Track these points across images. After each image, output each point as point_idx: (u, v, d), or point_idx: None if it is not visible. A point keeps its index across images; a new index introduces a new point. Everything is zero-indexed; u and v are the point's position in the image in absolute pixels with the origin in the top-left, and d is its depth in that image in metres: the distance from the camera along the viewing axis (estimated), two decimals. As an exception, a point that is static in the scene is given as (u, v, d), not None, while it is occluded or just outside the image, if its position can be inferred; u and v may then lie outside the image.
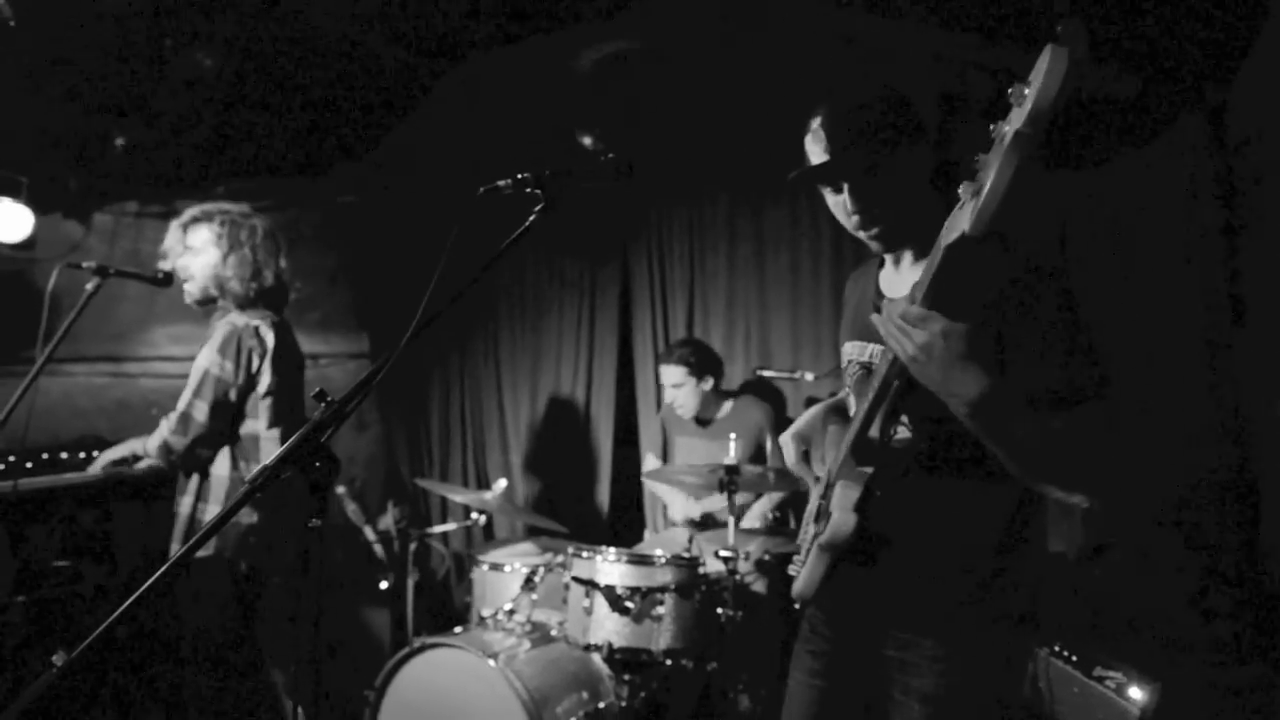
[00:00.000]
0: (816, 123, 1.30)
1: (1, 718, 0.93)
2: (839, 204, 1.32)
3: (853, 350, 1.44)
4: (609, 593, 2.30)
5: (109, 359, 4.01)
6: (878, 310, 1.28)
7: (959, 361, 1.08)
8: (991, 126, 1.00)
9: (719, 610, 2.40)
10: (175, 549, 2.25)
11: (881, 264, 1.46)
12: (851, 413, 1.47)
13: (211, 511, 2.23)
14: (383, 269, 4.49)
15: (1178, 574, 2.15)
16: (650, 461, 3.36)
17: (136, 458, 2.35)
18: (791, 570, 1.47)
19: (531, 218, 1.33)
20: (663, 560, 2.35)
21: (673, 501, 3.14)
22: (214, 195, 4.24)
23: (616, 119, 3.82)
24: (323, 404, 1.15)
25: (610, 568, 2.35)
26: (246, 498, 1.08)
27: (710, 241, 3.61)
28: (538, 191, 1.33)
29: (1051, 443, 1.14)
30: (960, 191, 1.03)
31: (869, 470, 1.30)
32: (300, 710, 2.83)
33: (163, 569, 1.06)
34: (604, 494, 3.86)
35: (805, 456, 1.50)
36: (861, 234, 1.33)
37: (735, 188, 3.54)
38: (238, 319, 2.28)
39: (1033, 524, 1.31)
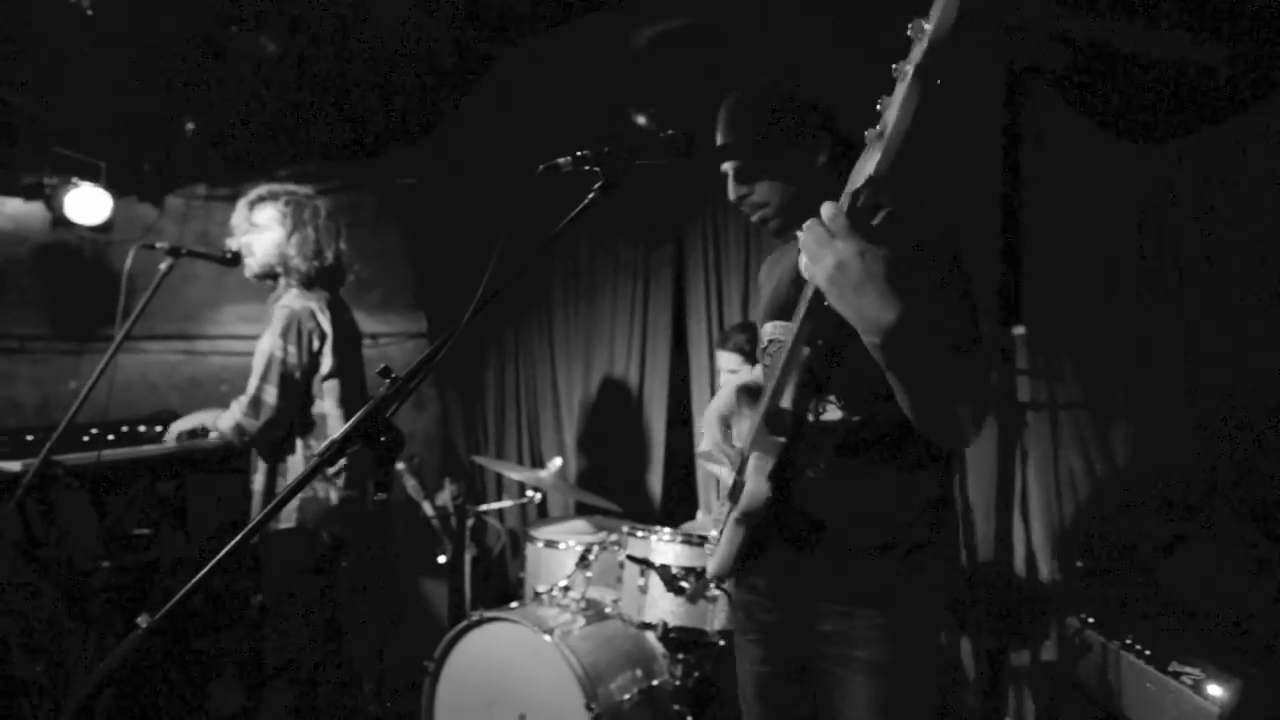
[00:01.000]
0: (723, 104, 1.44)
1: (91, 676, 0.97)
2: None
3: (773, 330, 1.46)
4: (664, 572, 2.31)
5: (181, 337, 4.16)
6: (795, 290, 1.35)
7: (874, 283, 1.04)
8: (894, 66, 0.99)
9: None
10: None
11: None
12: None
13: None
14: (440, 249, 4.56)
15: (1260, 567, 2.05)
16: (705, 442, 3.34)
17: (206, 430, 2.44)
18: (707, 550, 1.49)
19: (590, 195, 1.32)
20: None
21: (725, 479, 3.11)
22: (278, 178, 4.37)
23: (673, 97, 3.78)
24: (387, 380, 1.16)
25: (665, 547, 2.35)
26: (315, 471, 1.10)
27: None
28: (597, 169, 1.32)
29: (950, 373, 1.16)
30: (866, 135, 1.04)
31: (782, 440, 1.31)
32: (364, 676, 2.93)
33: (239, 537, 1.09)
34: (656, 474, 3.87)
35: (726, 437, 1.54)
36: (750, 215, 1.42)
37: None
38: (294, 302, 2.34)
39: (949, 499, 1.38)
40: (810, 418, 1.34)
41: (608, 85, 3.82)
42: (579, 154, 1.31)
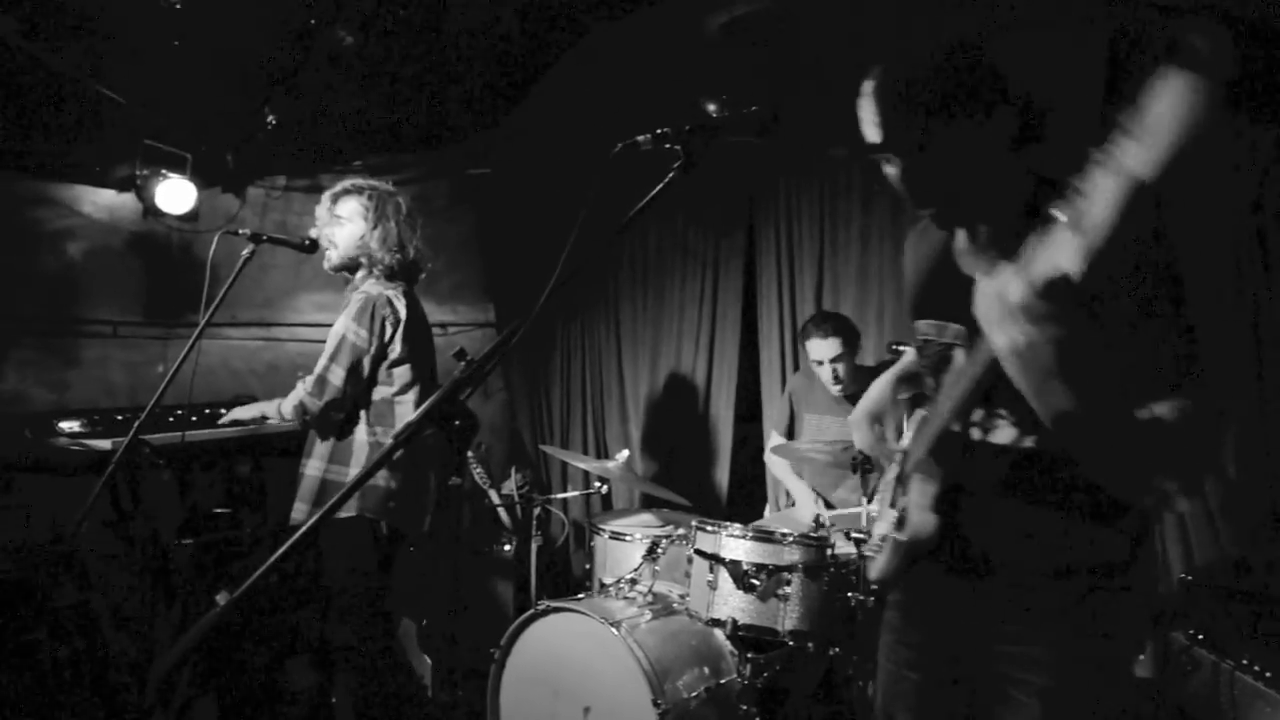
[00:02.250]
0: (869, 87, 1.16)
1: (173, 650, 0.98)
2: (892, 180, 1.19)
3: (928, 329, 1.30)
4: (734, 568, 2.25)
5: (260, 324, 4.28)
6: (952, 287, 1.18)
7: (1061, 374, 0.93)
8: (1095, 153, 0.83)
9: (848, 594, 2.30)
10: (302, 508, 2.32)
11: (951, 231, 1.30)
12: (926, 388, 1.34)
13: (345, 474, 2.31)
14: (509, 240, 4.58)
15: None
16: (775, 439, 3.27)
17: (265, 418, 2.47)
18: (869, 551, 1.37)
19: (670, 174, 1.27)
20: (790, 539, 2.28)
21: (801, 498, 3.02)
22: (353, 169, 4.46)
23: (745, 84, 3.70)
24: (462, 363, 1.14)
25: (736, 543, 2.29)
26: (391, 453, 1.08)
27: (842, 213, 3.44)
28: (676, 147, 1.27)
29: (1136, 440, 1.01)
30: (1055, 213, 0.87)
31: (949, 466, 1.19)
32: (430, 661, 2.95)
33: (315, 518, 1.08)
34: (723, 469, 3.81)
35: (878, 435, 1.41)
36: (920, 212, 1.22)
37: (870, 159, 3.34)
38: (372, 288, 2.35)
39: (1148, 536, 1.18)
40: (976, 435, 1.20)
41: (678, 73, 3.76)
42: (659, 131, 1.26)
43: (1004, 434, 1.17)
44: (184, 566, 2.56)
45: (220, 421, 2.53)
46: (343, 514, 2.25)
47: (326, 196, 2.47)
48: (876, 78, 1.15)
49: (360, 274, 2.43)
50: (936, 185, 1.15)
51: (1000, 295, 0.93)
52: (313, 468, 2.35)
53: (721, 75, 3.76)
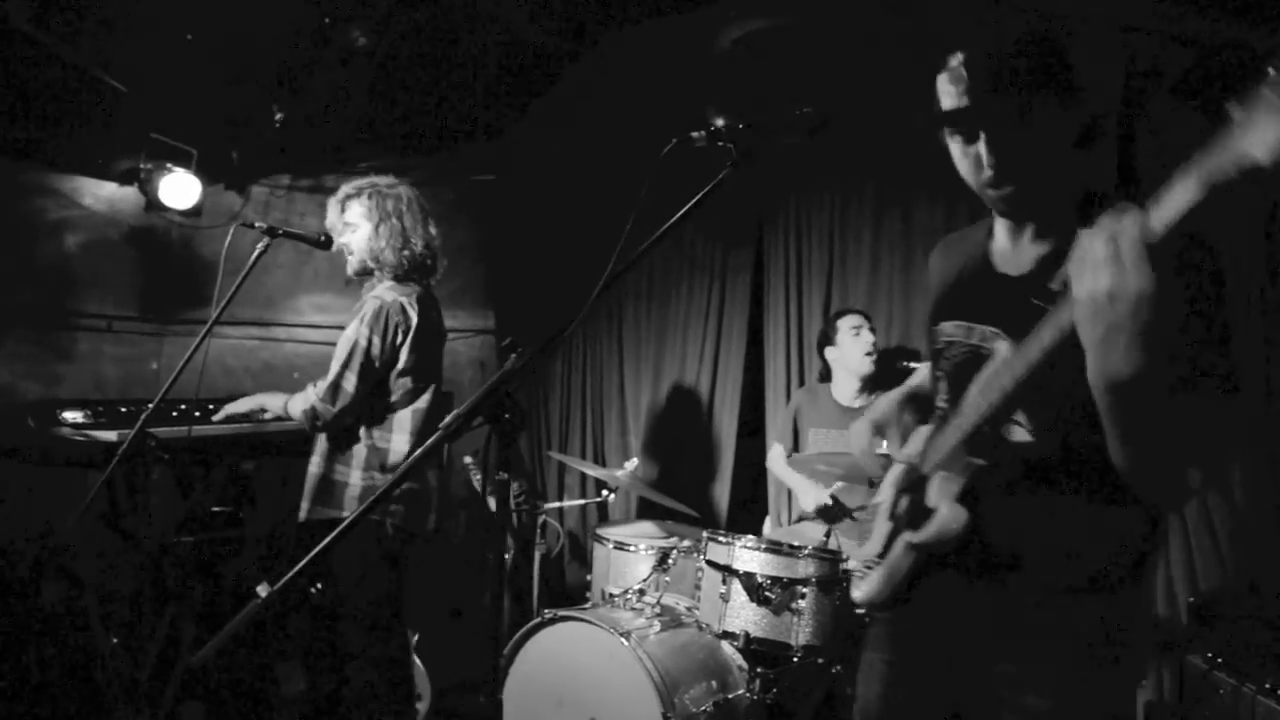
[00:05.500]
0: (957, 60, 1.15)
1: (212, 642, 0.94)
2: (969, 156, 1.17)
3: (955, 331, 1.28)
4: (748, 580, 2.22)
5: (258, 323, 4.22)
6: (987, 287, 1.19)
7: (1132, 331, 0.90)
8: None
9: (861, 610, 2.28)
10: (305, 506, 2.32)
11: (989, 233, 1.30)
12: (940, 400, 1.33)
13: (346, 474, 2.30)
14: (511, 247, 4.56)
15: None
16: (777, 451, 3.26)
17: (264, 411, 2.42)
18: (857, 572, 1.34)
19: (723, 173, 1.26)
20: (805, 551, 2.26)
21: (803, 490, 3.02)
22: (357, 170, 4.43)
23: (754, 100, 3.72)
24: (513, 354, 1.12)
25: (749, 555, 2.27)
26: (440, 443, 1.05)
27: (852, 227, 3.46)
28: (730, 145, 1.26)
29: (1171, 428, 0.99)
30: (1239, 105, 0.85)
31: (980, 461, 1.17)
32: (423, 666, 2.90)
33: (357, 512, 1.05)
34: (724, 483, 3.78)
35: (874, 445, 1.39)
36: (990, 193, 1.17)
37: (882, 174, 3.37)
38: (386, 294, 2.33)
39: (1155, 539, 1.18)
40: (1004, 435, 1.19)
41: (687, 86, 3.78)
42: (713, 128, 1.25)
43: (1020, 436, 1.17)
44: (181, 565, 2.49)
45: (215, 418, 2.47)
46: (346, 514, 2.23)
47: (334, 204, 2.44)
48: (967, 49, 1.14)
49: (374, 278, 2.41)
50: (1022, 161, 1.13)
51: (1112, 236, 0.90)
52: (315, 465, 2.34)
53: (732, 90, 3.78)
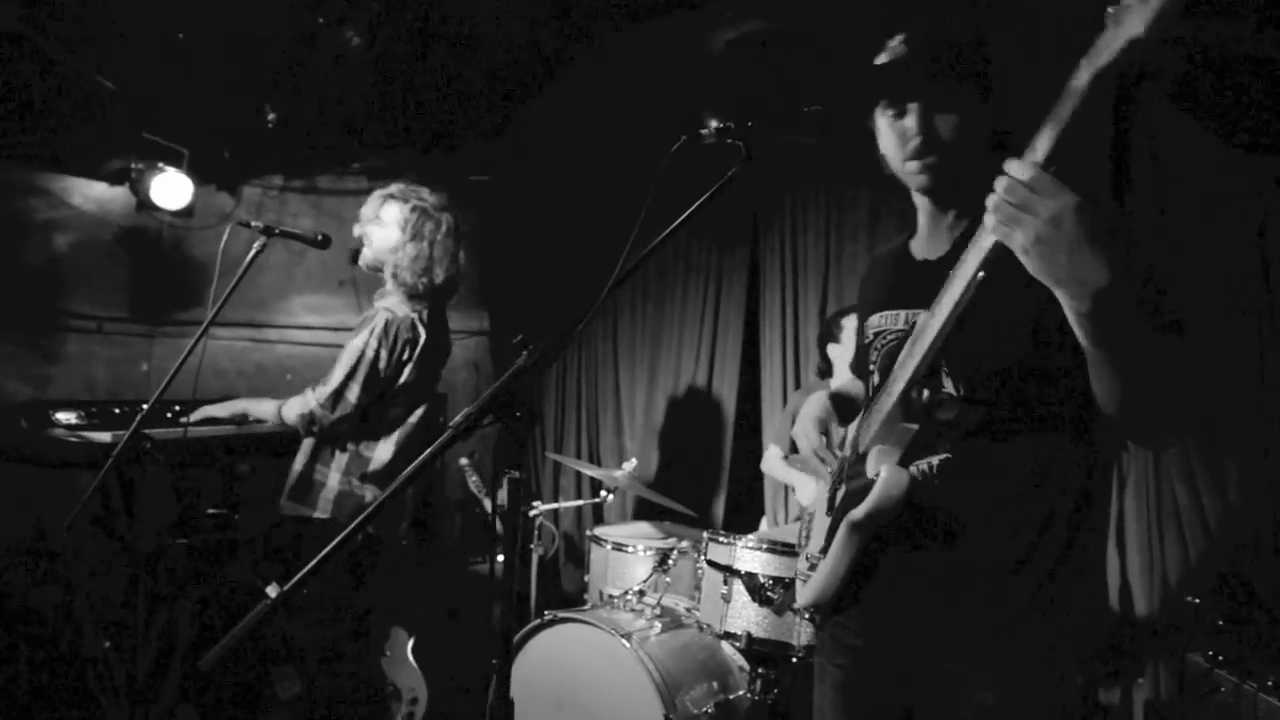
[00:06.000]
0: (897, 40, 1.26)
1: (222, 643, 0.93)
2: (896, 130, 1.25)
3: (881, 321, 1.34)
4: (750, 581, 2.22)
5: (250, 325, 4.19)
6: (908, 275, 1.25)
7: (1089, 242, 0.91)
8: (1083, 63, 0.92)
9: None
10: (285, 503, 2.32)
11: (911, 235, 1.38)
12: (868, 393, 1.37)
13: (326, 475, 2.31)
14: (505, 249, 4.54)
15: None
16: (773, 452, 3.26)
17: (246, 416, 2.41)
18: (800, 575, 1.35)
19: (733, 170, 1.26)
20: (805, 551, 2.25)
21: (802, 486, 3.02)
22: (351, 171, 4.41)
23: (748, 102, 3.72)
24: (525, 350, 1.11)
25: (750, 555, 2.26)
26: (451, 441, 1.04)
27: (848, 227, 3.46)
28: (739, 143, 1.26)
29: (1158, 353, 1.02)
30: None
31: (914, 426, 1.18)
32: (420, 672, 2.88)
33: (367, 512, 1.04)
34: (720, 485, 3.78)
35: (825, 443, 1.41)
36: (913, 164, 1.24)
37: (878, 175, 3.35)
38: (399, 309, 2.32)
39: (1094, 509, 1.20)
40: (929, 400, 1.21)
41: (681, 88, 3.78)
42: (723, 125, 1.25)
43: (950, 409, 1.20)
44: (175, 567, 2.46)
45: (192, 417, 2.42)
46: (317, 514, 2.25)
47: (377, 195, 2.44)
48: (910, 30, 1.26)
49: (388, 284, 2.39)
50: (946, 133, 1.21)
51: (1012, 183, 0.94)
52: (298, 461, 2.35)
53: (726, 92, 3.78)
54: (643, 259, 1.22)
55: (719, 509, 3.76)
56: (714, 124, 1.28)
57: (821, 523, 1.36)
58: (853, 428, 1.38)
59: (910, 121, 1.22)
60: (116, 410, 2.45)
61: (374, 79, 3.85)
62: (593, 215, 3.98)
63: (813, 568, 1.33)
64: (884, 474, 1.19)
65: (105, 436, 2.28)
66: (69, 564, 2.45)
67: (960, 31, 1.24)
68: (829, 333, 3.19)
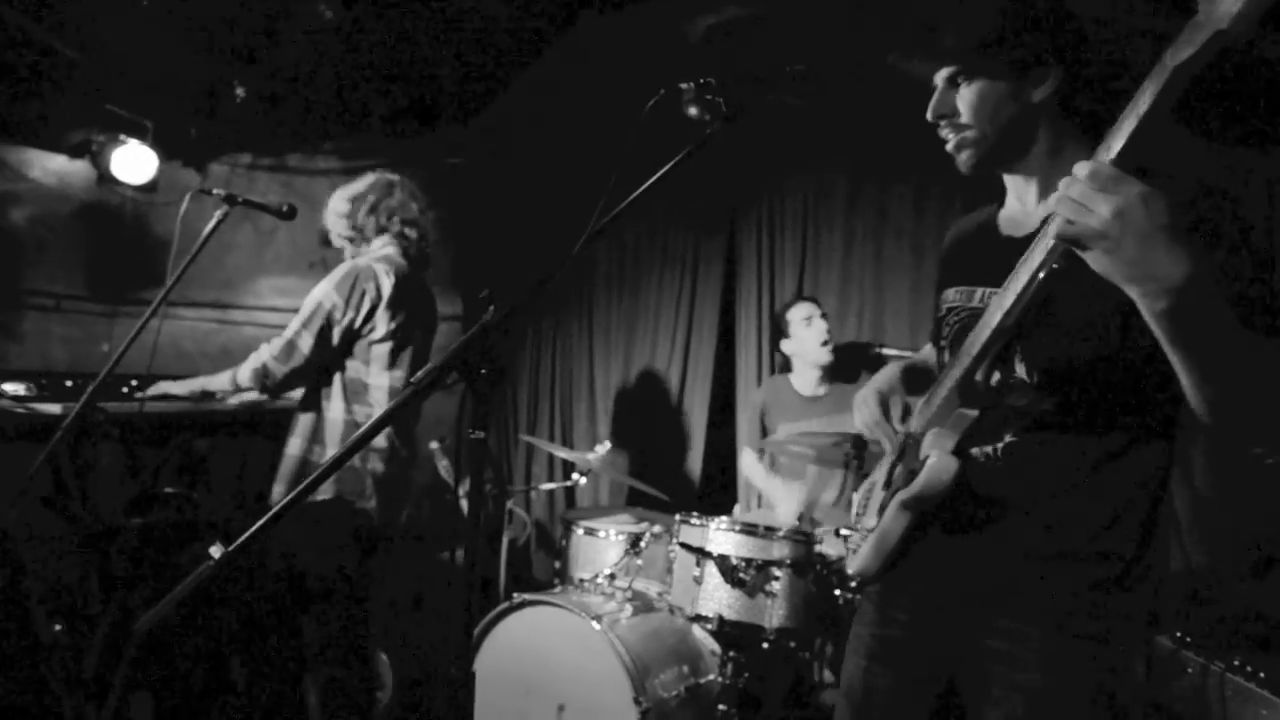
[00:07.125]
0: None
1: (160, 607, 0.87)
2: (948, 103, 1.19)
3: (956, 297, 1.28)
4: (722, 562, 2.18)
5: (216, 305, 4.09)
6: (990, 250, 1.17)
7: (1162, 234, 0.85)
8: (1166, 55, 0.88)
9: (836, 592, 2.26)
10: (279, 490, 2.24)
11: (1000, 205, 1.31)
12: (941, 369, 1.31)
13: (324, 455, 2.23)
14: (479, 232, 4.47)
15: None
16: (750, 458, 3.21)
17: (206, 393, 2.37)
18: (851, 544, 1.32)
19: (711, 128, 1.22)
20: (779, 533, 2.23)
21: (779, 499, 2.98)
22: (322, 151, 4.31)
23: (734, 85, 3.69)
24: (490, 307, 1.06)
25: (723, 536, 2.23)
26: (412, 397, 0.99)
27: (825, 216, 3.45)
28: (719, 100, 1.22)
29: (1257, 358, 0.94)
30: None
31: (974, 413, 1.15)
32: (386, 659, 2.81)
33: (307, 482, 0.99)
34: (694, 470, 3.75)
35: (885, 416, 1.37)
36: (950, 136, 1.20)
37: (855, 165, 3.37)
38: (360, 261, 2.29)
39: (1161, 502, 1.15)
40: (997, 386, 1.18)
41: (661, 74, 3.72)
42: (703, 81, 1.22)
43: (1021, 395, 1.15)
44: (129, 548, 2.38)
45: (149, 393, 2.36)
46: (320, 496, 2.15)
47: (368, 174, 2.48)
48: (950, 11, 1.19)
49: (351, 246, 2.40)
50: (976, 111, 1.16)
51: (1075, 180, 0.89)
52: (293, 446, 2.26)
53: (709, 75, 3.74)
54: (616, 215, 1.17)
55: (692, 495, 3.73)
56: (695, 81, 1.24)
57: (878, 496, 1.32)
58: (921, 403, 1.33)
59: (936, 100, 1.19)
60: (69, 383, 2.36)
61: (347, 55, 3.76)
62: (569, 200, 3.92)
63: (865, 539, 1.31)
64: (933, 459, 1.17)
65: (55, 408, 2.19)
66: (18, 543, 2.35)
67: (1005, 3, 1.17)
68: (779, 329, 3.16)
